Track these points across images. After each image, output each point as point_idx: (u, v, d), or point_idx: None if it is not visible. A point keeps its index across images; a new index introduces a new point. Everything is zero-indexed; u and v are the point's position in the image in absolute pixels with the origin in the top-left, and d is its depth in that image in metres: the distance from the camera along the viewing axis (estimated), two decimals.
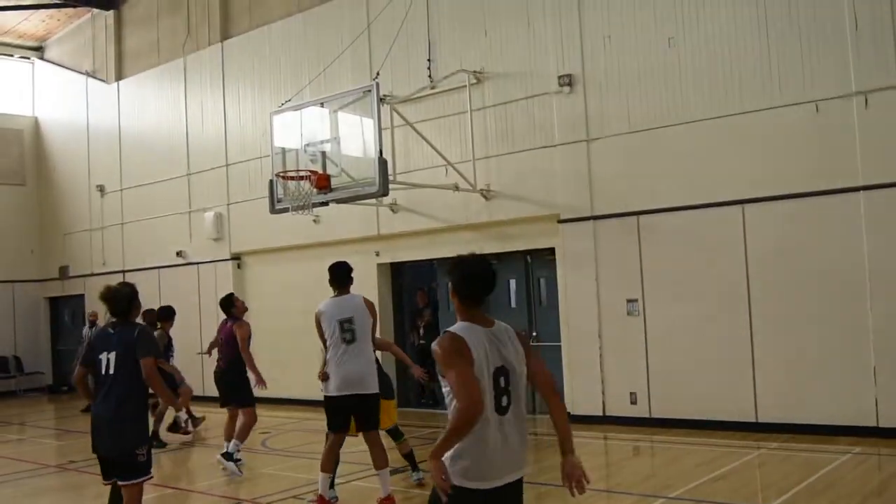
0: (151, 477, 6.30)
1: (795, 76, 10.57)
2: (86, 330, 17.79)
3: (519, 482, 4.14)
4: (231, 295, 10.92)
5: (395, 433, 8.84)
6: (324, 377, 7.83)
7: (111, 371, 6.12)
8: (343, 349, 7.72)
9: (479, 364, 3.90)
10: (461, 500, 3.87)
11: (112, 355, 6.14)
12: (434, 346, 3.99)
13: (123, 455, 6.07)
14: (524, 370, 4.08)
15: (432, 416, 13.94)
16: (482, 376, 3.88)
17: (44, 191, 23.00)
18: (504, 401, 3.98)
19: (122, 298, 6.35)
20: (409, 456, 8.85)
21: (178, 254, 18.64)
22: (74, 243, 21.84)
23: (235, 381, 10.43)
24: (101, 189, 20.90)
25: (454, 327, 4.05)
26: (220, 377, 10.65)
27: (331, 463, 7.88)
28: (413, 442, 9.29)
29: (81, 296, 21.05)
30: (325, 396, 7.85)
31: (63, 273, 21.63)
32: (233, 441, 10.07)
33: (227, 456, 9.92)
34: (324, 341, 7.92)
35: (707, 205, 11.22)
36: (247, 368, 10.29)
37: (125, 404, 6.09)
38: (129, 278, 19.78)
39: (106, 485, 6.33)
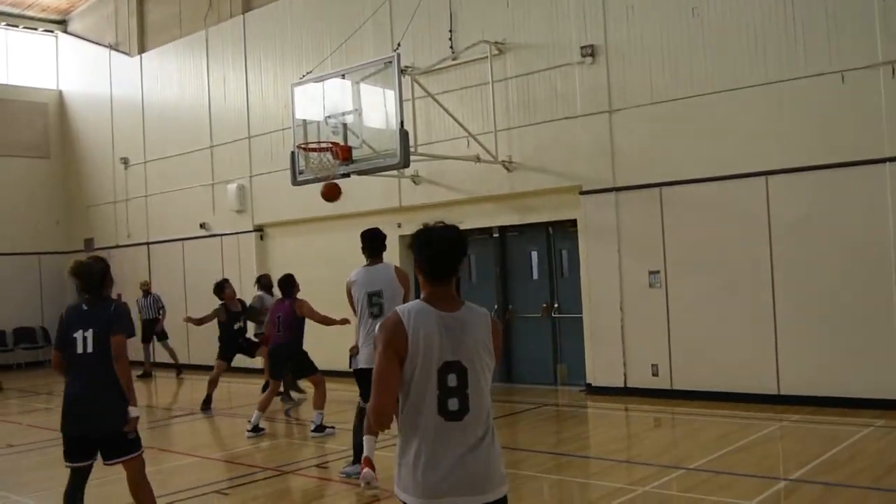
0: (143, 451, 6.07)
1: (821, 46, 10.43)
2: (140, 299, 17.99)
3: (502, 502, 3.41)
4: (290, 276, 11.25)
5: None
6: (354, 351, 7.84)
7: (89, 350, 5.81)
8: (370, 323, 7.60)
9: (418, 356, 3.28)
10: None
11: (89, 333, 5.82)
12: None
13: (112, 433, 5.82)
14: (491, 366, 3.45)
15: None
16: (424, 371, 3.28)
17: (68, 164, 23.15)
18: (453, 404, 3.30)
19: (94, 273, 6.01)
20: None
21: (202, 226, 18.75)
22: (99, 215, 22.01)
23: (301, 355, 10.98)
24: (125, 161, 21.01)
25: (404, 307, 3.43)
26: (284, 353, 10.94)
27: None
28: None
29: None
30: (355, 369, 7.86)
31: (88, 245, 21.82)
32: (316, 413, 10.50)
33: (320, 428, 10.35)
34: (354, 311, 7.88)
35: (730, 176, 11.13)
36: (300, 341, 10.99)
37: (107, 383, 5.80)
38: (153, 250, 20.01)
39: (70, 466, 5.93)
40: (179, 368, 17.89)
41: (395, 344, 3.29)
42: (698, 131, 11.39)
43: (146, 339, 17.94)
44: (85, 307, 5.96)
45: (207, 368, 17.17)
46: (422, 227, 3.56)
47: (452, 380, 3.30)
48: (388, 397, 3.25)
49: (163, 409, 14.29)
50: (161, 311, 17.96)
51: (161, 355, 18.35)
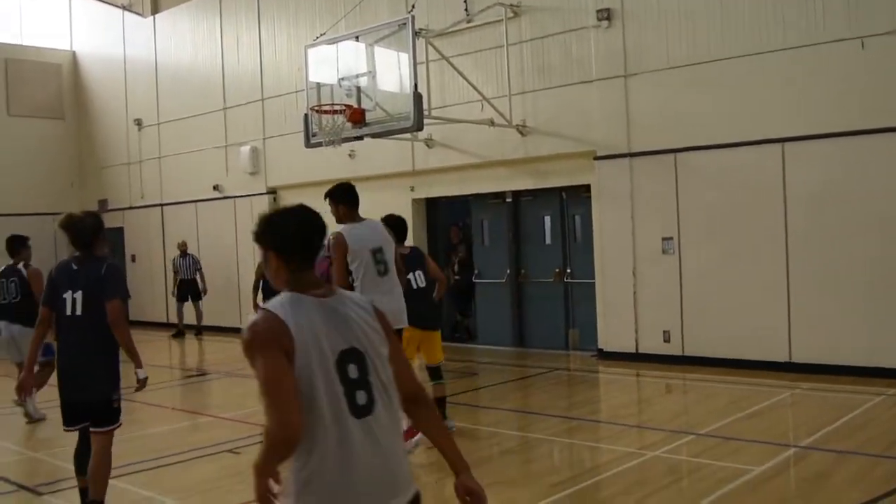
0: (121, 425, 5.80)
1: (840, 12, 10.28)
2: (177, 259, 18.04)
3: None
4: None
5: (436, 373, 8.33)
6: None
7: (78, 312, 5.49)
8: (377, 282, 7.19)
9: (310, 353, 2.75)
10: None
11: (78, 294, 5.49)
12: (243, 330, 2.85)
13: (101, 401, 5.58)
14: (385, 352, 2.96)
15: (467, 350, 14.04)
16: (319, 369, 2.76)
17: (82, 125, 23.14)
18: (362, 397, 2.82)
19: (84, 229, 5.64)
20: (441, 401, 8.22)
21: (215, 188, 18.77)
22: (113, 177, 22.04)
23: None
24: (139, 123, 21.00)
25: (273, 302, 2.87)
26: None
27: None
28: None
29: (120, 229, 21.30)
30: None
31: (102, 206, 21.86)
32: None
33: None
34: (344, 271, 7.20)
35: (746, 143, 11.05)
36: None
37: (98, 348, 5.51)
38: (167, 212, 20.05)
39: (69, 430, 5.80)
40: (200, 330, 17.94)
41: (277, 342, 2.72)
42: (714, 97, 11.28)
43: (181, 299, 17.97)
44: (74, 266, 5.62)
45: (223, 330, 17.33)
46: (273, 210, 3.05)
47: (353, 370, 2.82)
48: (293, 406, 2.65)
49: (181, 370, 14.39)
50: (199, 272, 18.00)
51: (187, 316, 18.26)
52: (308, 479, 2.72)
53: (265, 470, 2.64)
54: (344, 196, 7.36)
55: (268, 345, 2.71)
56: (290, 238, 2.92)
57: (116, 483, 6.33)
